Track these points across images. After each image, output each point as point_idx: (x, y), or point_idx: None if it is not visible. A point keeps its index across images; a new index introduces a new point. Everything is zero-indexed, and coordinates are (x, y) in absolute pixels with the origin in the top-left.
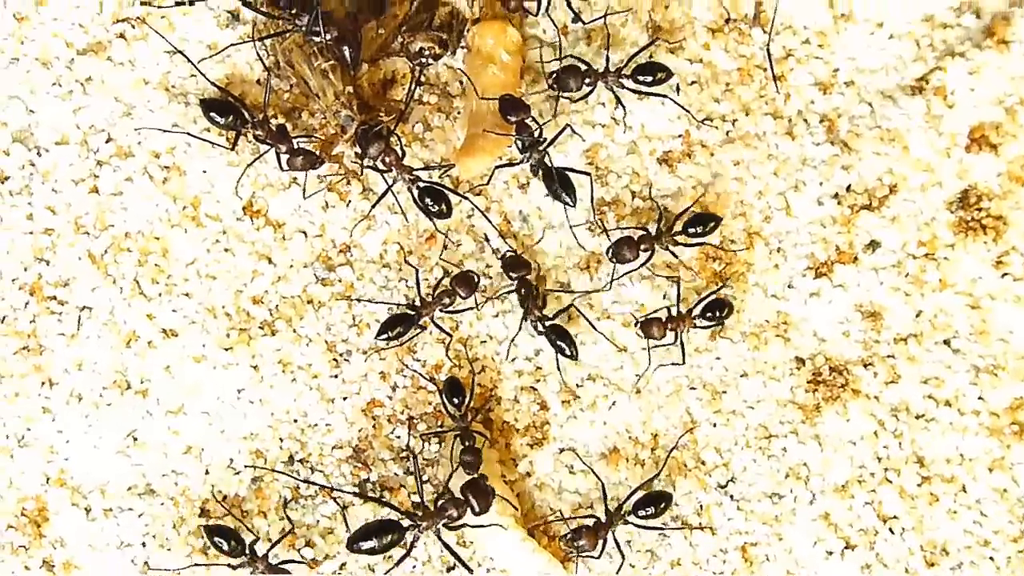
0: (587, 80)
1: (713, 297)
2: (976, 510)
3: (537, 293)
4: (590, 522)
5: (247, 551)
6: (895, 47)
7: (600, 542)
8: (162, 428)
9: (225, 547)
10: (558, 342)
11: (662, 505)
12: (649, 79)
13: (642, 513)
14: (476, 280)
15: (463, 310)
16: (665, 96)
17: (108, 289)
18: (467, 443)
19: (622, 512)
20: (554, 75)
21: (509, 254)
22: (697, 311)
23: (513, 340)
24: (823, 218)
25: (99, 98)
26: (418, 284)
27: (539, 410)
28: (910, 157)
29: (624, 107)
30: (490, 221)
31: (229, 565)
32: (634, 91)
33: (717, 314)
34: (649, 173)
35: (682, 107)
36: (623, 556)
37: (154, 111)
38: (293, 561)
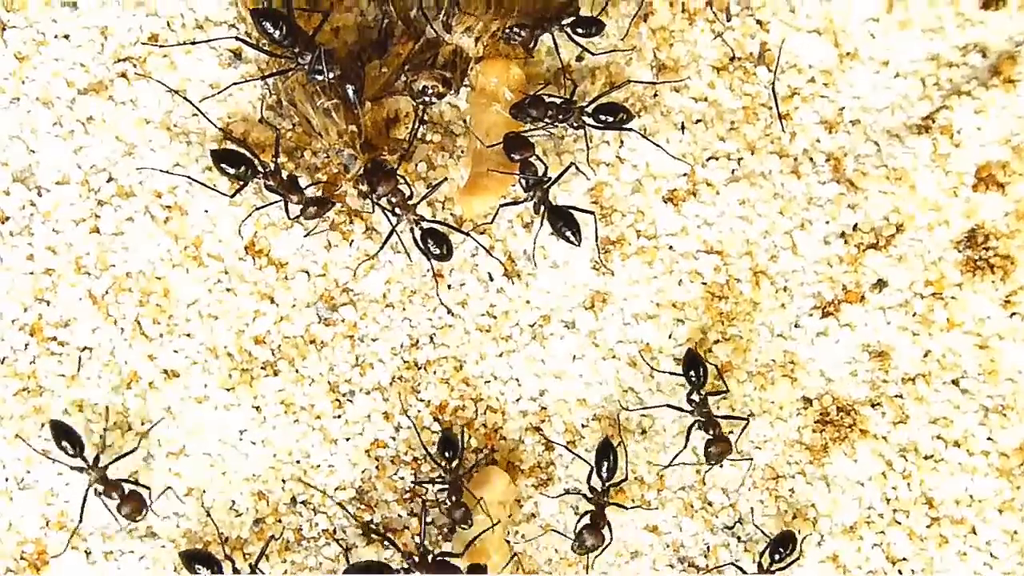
0: (549, 113)
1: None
2: (986, 552)
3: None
4: (586, 519)
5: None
6: (901, 86)
7: (605, 532)
8: (163, 470)
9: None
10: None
11: (612, 454)
12: (609, 119)
13: (606, 472)
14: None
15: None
16: (631, 130)
17: (109, 329)
18: (456, 498)
19: (601, 488)
20: (516, 104)
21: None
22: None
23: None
24: (830, 257)
25: (100, 138)
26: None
27: (544, 451)
28: (917, 196)
29: (588, 145)
30: (497, 259)
31: None
32: (597, 128)
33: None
34: (654, 211)
35: (654, 143)
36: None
37: (156, 150)
38: None
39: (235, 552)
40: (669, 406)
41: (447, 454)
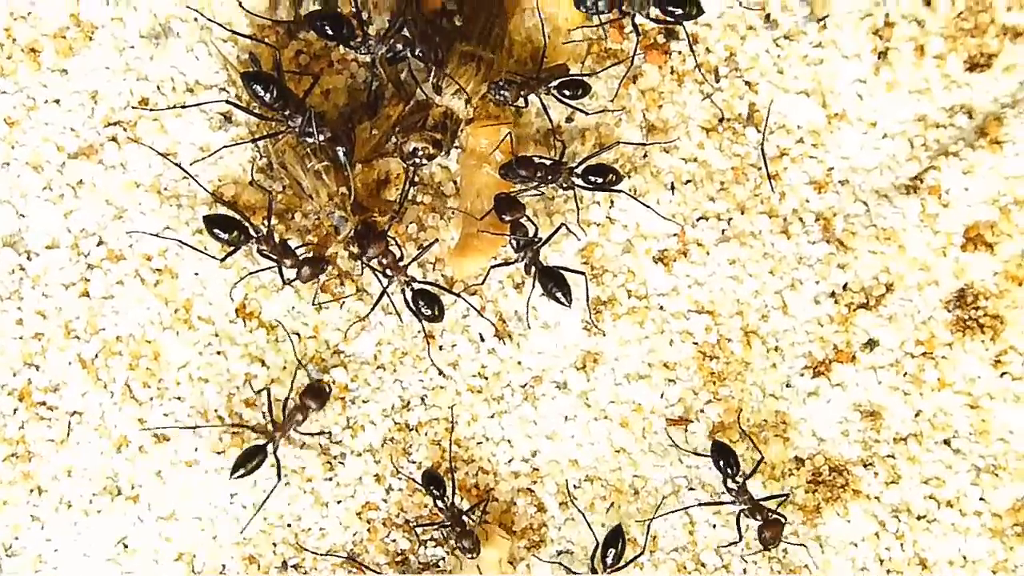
0: (539, 174)
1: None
2: None
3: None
4: None
5: None
6: (889, 146)
7: None
8: (153, 534)
9: None
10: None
11: (620, 542)
12: (599, 180)
13: (610, 559)
14: (327, 391)
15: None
16: (621, 191)
17: (98, 394)
18: (460, 529)
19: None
20: (505, 165)
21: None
22: None
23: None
24: (820, 317)
25: (90, 201)
26: (270, 407)
27: (536, 512)
28: (906, 256)
29: (578, 206)
30: (488, 320)
31: None
32: (586, 189)
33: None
34: (645, 271)
35: (644, 203)
36: None
37: (146, 214)
38: None
39: None
40: (711, 503)
41: (435, 491)
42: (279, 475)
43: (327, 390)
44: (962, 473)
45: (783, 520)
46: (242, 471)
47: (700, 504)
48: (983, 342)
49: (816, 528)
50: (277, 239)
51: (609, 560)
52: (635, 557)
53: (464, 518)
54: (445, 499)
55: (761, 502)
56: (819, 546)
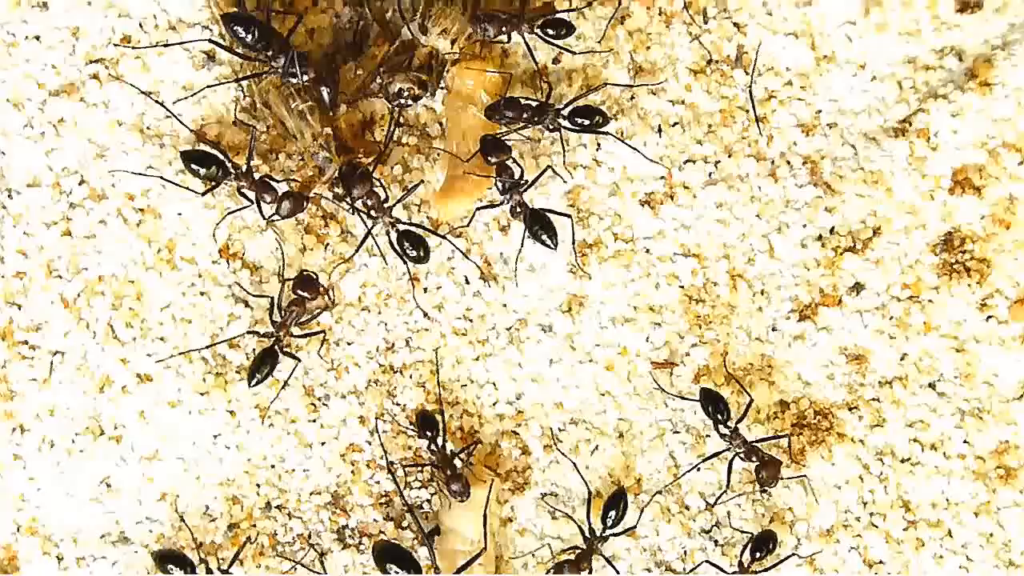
0: (525, 116)
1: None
2: (962, 555)
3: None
4: (572, 555)
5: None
6: (878, 89)
7: (584, 574)
8: (136, 474)
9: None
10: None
11: (622, 505)
12: (585, 122)
13: (610, 521)
14: (316, 278)
15: (319, 312)
16: (608, 134)
17: (81, 333)
18: (449, 472)
19: (599, 534)
20: (491, 106)
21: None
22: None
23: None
24: (807, 260)
25: (72, 140)
26: (271, 309)
27: (521, 455)
28: (894, 199)
29: (564, 148)
30: (473, 262)
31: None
32: (572, 131)
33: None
34: (631, 215)
35: (631, 146)
36: (616, 570)
37: (128, 153)
38: None
39: (209, 557)
40: (714, 455)
41: (428, 433)
42: (296, 359)
43: (316, 277)
44: (946, 416)
45: (778, 461)
46: (258, 377)
47: (700, 461)
48: (969, 286)
49: (800, 471)
50: (257, 176)
51: (609, 521)
52: (631, 528)
53: (454, 461)
54: (437, 442)
55: (755, 444)
56: (803, 489)
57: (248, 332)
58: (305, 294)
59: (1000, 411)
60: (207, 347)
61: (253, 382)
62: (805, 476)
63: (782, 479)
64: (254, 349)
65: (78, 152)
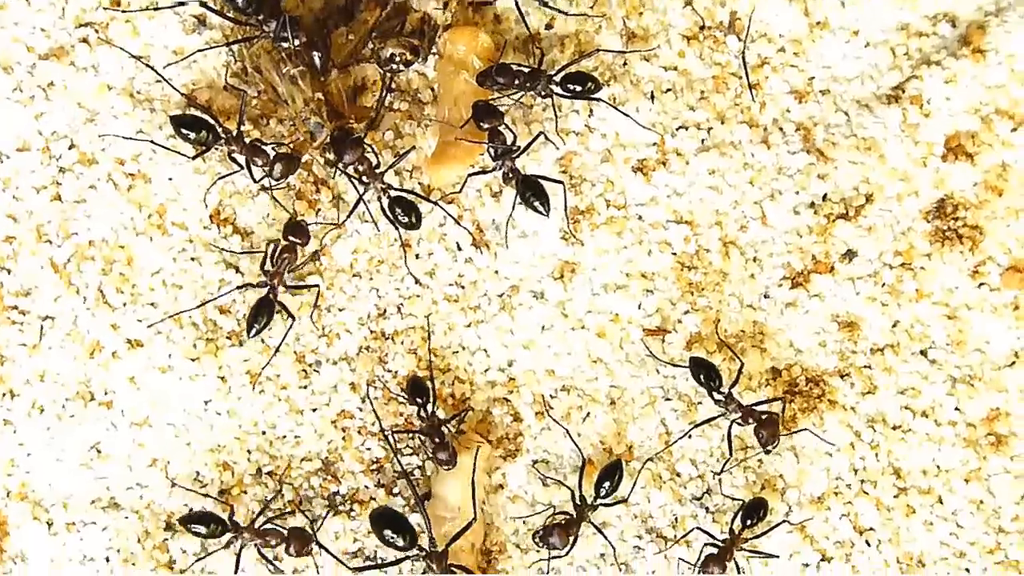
0: (517, 82)
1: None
2: (952, 522)
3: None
4: (561, 519)
5: (228, 525)
6: (871, 55)
7: (571, 539)
8: (127, 440)
9: (204, 531)
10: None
11: (618, 476)
12: (578, 88)
13: (603, 492)
14: (306, 225)
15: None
16: (600, 100)
17: (71, 299)
18: (438, 440)
19: (590, 503)
20: (483, 72)
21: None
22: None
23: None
24: (799, 227)
25: (61, 104)
26: (265, 259)
27: (512, 422)
28: (886, 166)
29: (556, 114)
30: (465, 228)
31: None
32: (564, 97)
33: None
34: (623, 181)
35: (623, 112)
36: (605, 537)
37: (118, 117)
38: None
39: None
40: (707, 421)
41: (419, 399)
42: (291, 315)
43: (306, 224)
44: (938, 383)
45: (776, 420)
46: (256, 327)
47: (692, 427)
48: (961, 253)
49: (791, 438)
50: (247, 141)
51: (602, 492)
52: (623, 500)
53: (443, 429)
54: (427, 408)
55: (752, 407)
56: (794, 456)
57: (241, 287)
58: (296, 240)
59: (991, 378)
60: (198, 306)
61: (251, 333)
62: (807, 429)
63: (784, 434)
64: (245, 315)
65: (68, 116)
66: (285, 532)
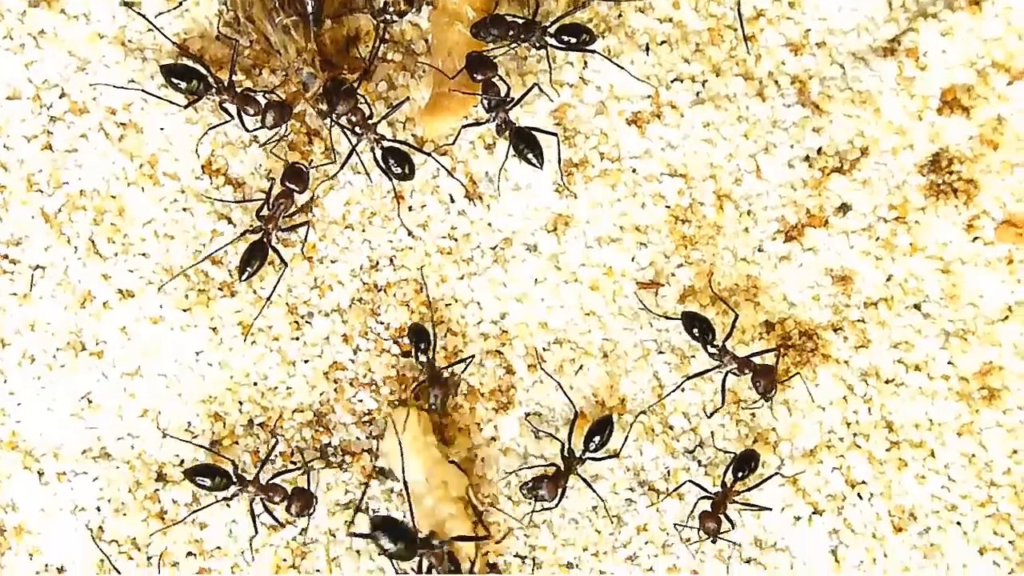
0: (511, 33)
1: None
2: (944, 475)
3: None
4: (550, 471)
5: (233, 479)
6: (867, 7)
7: (559, 491)
8: (118, 390)
9: (209, 483)
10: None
11: (608, 431)
12: (572, 40)
13: (593, 445)
14: (305, 170)
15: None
16: (595, 52)
17: (62, 248)
18: (438, 388)
19: (578, 456)
20: (477, 23)
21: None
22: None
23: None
24: (794, 181)
25: (52, 52)
26: (260, 206)
27: (505, 374)
28: (881, 119)
29: (551, 66)
30: (458, 180)
31: (224, 499)
32: (559, 48)
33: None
34: (618, 134)
35: (618, 64)
36: (596, 492)
37: (110, 66)
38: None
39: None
40: (701, 374)
41: (421, 346)
42: (284, 262)
43: (305, 169)
44: (931, 337)
45: (773, 368)
46: (249, 271)
47: (685, 379)
48: (956, 207)
49: (784, 392)
50: (239, 90)
51: (592, 446)
52: (616, 454)
53: (443, 374)
54: (428, 354)
55: (747, 359)
56: (787, 410)
57: (239, 236)
58: (294, 187)
59: (984, 332)
60: (199, 261)
61: (244, 276)
62: (799, 374)
63: (781, 383)
64: (237, 266)
65: (59, 65)
66: (289, 491)
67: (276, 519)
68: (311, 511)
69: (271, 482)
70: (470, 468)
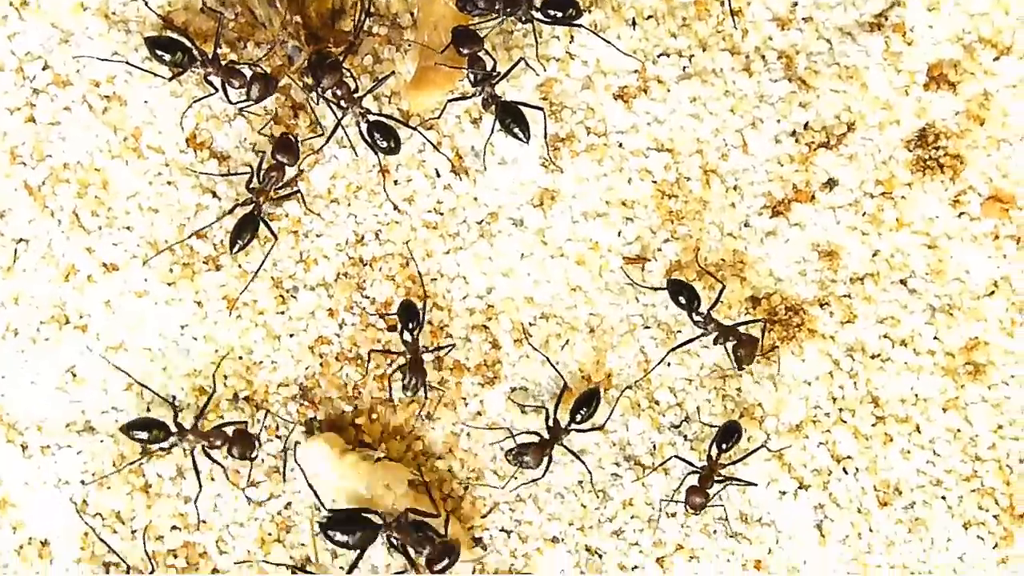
0: (497, 6)
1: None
2: (929, 450)
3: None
4: (535, 439)
5: (171, 429)
6: None
7: (544, 459)
8: (102, 364)
9: (146, 436)
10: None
11: (594, 403)
12: (558, 14)
13: (579, 417)
14: (296, 142)
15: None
16: (581, 26)
17: (46, 221)
18: (414, 368)
19: (563, 426)
20: None
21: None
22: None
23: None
24: (780, 156)
25: (35, 24)
26: (250, 178)
27: (491, 349)
28: (868, 95)
29: (537, 40)
30: (444, 155)
31: (161, 448)
32: (545, 22)
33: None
34: (604, 108)
35: (604, 39)
36: (582, 462)
37: (93, 38)
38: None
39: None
40: (686, 343)
41: (410, 324)
42: (274, 235)
43: (296, 142)
44: (917, 313)
45: (755, 339)
46: (240, 243)
47: (672, 349)
48: (942, 182)
49: (771, 367)
50: (224, 63)
51: (579, 417)
52: (601, 426)
53: (423, 357)
54: (414, 333)
55: (732, 326)
56: (773, 385)
57: (237, 204)
58: (284, 160)
59: (970, 308)
60: (188, 237)
61: (235, 249)
62: (777, 346)
63: (760, 356)
64: (222, 240)
65: (42, 37)
66: (229, 434)
67: (221, 465)
68: (253, 454)
69: (209, 430)
70: (455, 443)
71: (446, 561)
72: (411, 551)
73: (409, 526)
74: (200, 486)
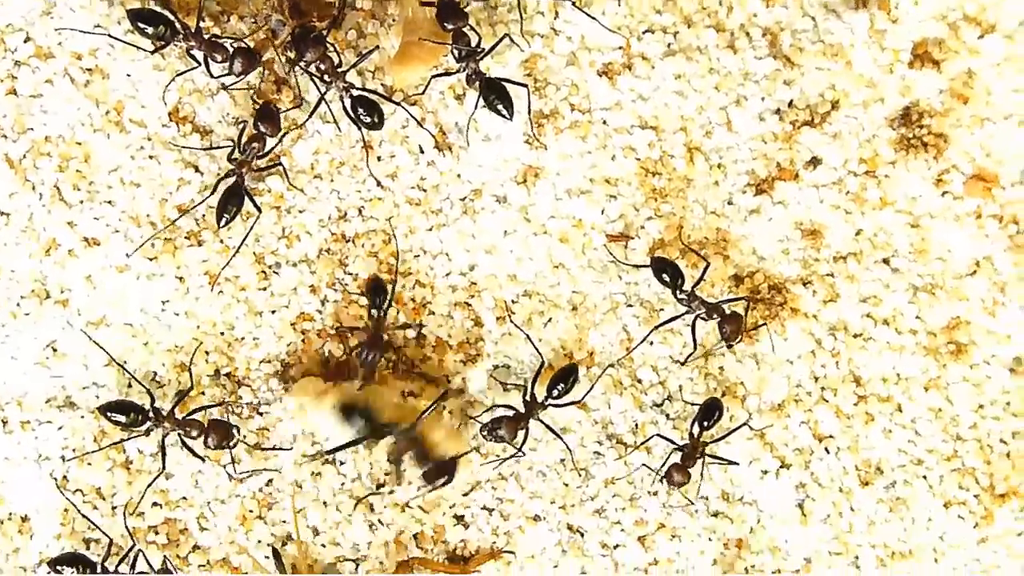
0: None
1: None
2: (911, 429)
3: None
4: (510, 413)
5: (148, 414)
6: None
7: (520, 433)
8: (83, 339)
9: (124, 420)
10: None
11: (571, 379)
12: None
13: (556, 392)
14: (277, 111)
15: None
16: (566, 1)
17: (27, 195)
18: (372, 345)
19: (540, 401)
20: None
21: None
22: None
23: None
24: (764, 134)
25: None
26: (232, 149)
27: (473, 326)
28: (853, 73)
29: (522, 16)
30: (428, 131)
31: (138, 435)
32: None
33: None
34: (588, 85)
35: (589, 15)
36: (564, 441)
37: (75, 10)
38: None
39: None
40: (670, 320)
41: (376, 300)
42: (257, 208)
43: (277, 110)
44: (899, 292)
45: (740, 316)
46: (226, 216)
47: (656, 327)
48: (926, 161)
49: (753, 345)
50: (206, 37)
51: (556, 392)
52: (578, 401)
53: (384, 335)
54: (382, 310)
55: (717, 304)
56: (755, 363)
57: (222, 178)
58: (266, 130)
59: (952, 287)
60: (179, 217)
61: (222, 222)
62: (765, 324)
63: (745, 333)
64: (204, 216)
65: (23, 8)
66: (205, 424)
67: (196, 454)
68: (230, 444)
69: (187, 417)
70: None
71: (445, 478)
72: (407, 463)
73: (415, 440)
74: (163, 468)
